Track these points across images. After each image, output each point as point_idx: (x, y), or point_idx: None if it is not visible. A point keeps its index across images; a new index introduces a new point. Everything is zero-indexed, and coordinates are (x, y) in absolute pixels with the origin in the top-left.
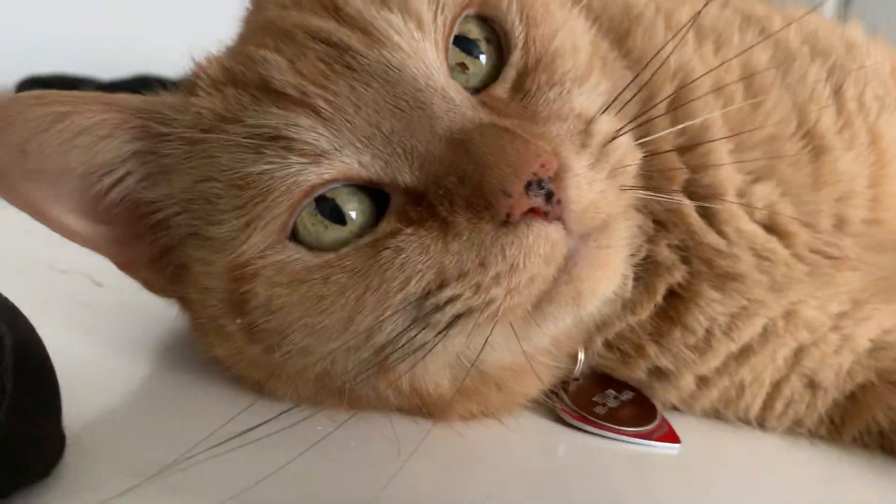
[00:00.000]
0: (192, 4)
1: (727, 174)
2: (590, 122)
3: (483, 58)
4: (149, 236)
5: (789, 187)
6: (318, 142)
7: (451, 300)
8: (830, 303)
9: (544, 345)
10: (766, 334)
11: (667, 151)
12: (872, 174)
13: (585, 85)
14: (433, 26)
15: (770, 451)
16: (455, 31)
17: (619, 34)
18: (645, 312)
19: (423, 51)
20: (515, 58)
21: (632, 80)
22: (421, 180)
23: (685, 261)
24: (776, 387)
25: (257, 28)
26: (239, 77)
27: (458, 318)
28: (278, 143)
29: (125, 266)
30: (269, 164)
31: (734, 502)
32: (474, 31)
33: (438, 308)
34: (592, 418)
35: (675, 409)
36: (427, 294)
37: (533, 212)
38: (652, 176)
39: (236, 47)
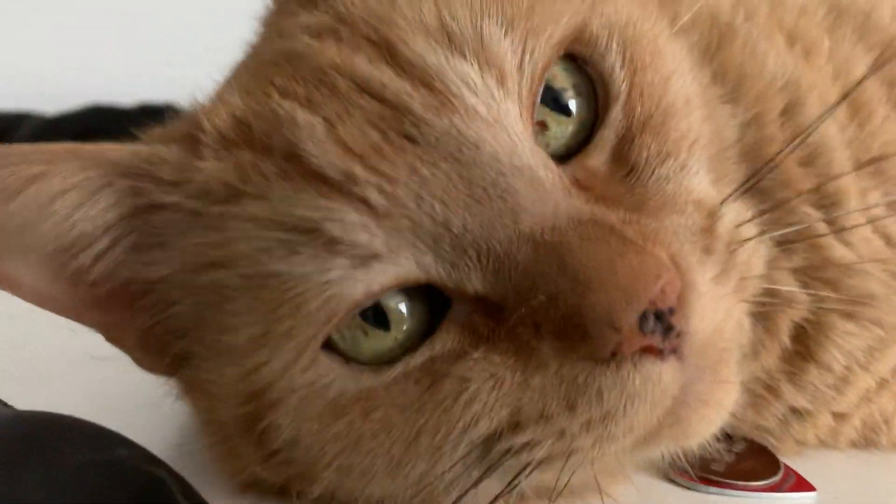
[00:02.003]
0: (140, 26)
1: (850, 180)
2: (712, 213)
3: (573, 113)
4: (141, 315)
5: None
6: (371, 243)
7: (527, 445)
8: None
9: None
10: None
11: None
12: None
13: (700, 152)
14: (518, 78)
15: None
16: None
17: (710, 52)
18: (771, 357)
19: (505, 115)
20: (615, 115)
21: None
22: (497, 289)
23: (805, 288)
24: None
25: (279, 58)
26: (258, 139)
27: (532, 464)
28: (316, 240)
29: (114, 340)
30: (304, 265)
31: None
32: (560, 78)
33: (511, 453)
34: (714, 478)
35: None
36: (496, 434)
37: (644, 349)
38: (773, 190)
39: (250, 82)
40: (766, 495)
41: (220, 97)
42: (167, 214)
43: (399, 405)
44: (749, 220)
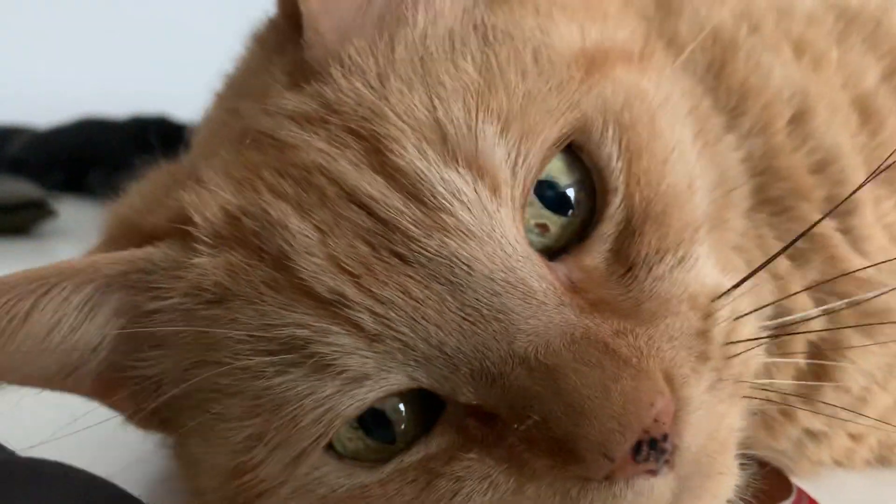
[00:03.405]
0: (132, 40)
1: (863, 188)
2: (708, 313)
3: (572, 211)
4: (137, 396)
5: None
6: (364, 366)
7: None
8: None
9: None
10: None
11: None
12: None
13: (703, 236)
14: (511, 183)
15: None
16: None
17: (713, 70)
18: (785, 379)
19: (498, 226)
20: (613, 209)
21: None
22: (490, 401)
23: (820, 304)
24: None
25: (264, 142)
26: (249, 239)
27: None
28: (307, 360)
29: (112, 408)
30: (295, 384)
31: None
32: (563, 174)
33: None
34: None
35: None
36: None
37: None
38: (783, 200)
39: (234, 164)
40: None
41: (201, 173)
42: (161, 317)
43: None
44: (748, 314)
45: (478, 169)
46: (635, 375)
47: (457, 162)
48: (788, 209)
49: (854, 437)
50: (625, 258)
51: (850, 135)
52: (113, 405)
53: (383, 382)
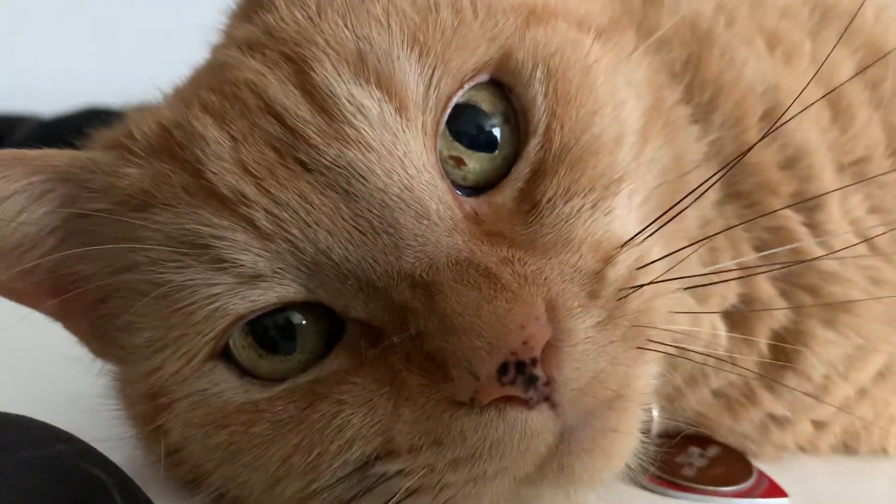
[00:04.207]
0: (134, 31)
1: (831, 183)
2: (607, 257)
3: (498, 143)
4: (83, 310)
5: (878, 205)
6: (255, 263)
7: (400, 473)
8: None
9: None
10: (883, 373)
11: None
12: None
13: (621, 189)
14: (422, 106)
15: None
16: (458, 99)
17: (691, 64)
18: (748, 364)
19: (402, 145)
20: (531, 149)
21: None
22: (376, 316)
23: (784, 295)
24: None
25: (212, 68)
26: (175, 150)
27: (403, 492)
28: (204, 255)
29: (69, 329)
30: (193, 279)
31: None
32: (486, 103)
33: (384, 478)
34: (684, 482)
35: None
36: (373, 457)
37: (509, 398)
38: (751, 194)
39: (187, 89)
40: (736, 501)
41: (155, 107)
42: (96, 220)
43: (277, 422)
44: (655, 261)
45: (388, 89)
46: (511, 299)
47: (368, 82)
48: (757, 203)
49: (817, 425)
50: (532, 197)
51: (820, 130)
52: (75, 332)
53: (278, 288)
